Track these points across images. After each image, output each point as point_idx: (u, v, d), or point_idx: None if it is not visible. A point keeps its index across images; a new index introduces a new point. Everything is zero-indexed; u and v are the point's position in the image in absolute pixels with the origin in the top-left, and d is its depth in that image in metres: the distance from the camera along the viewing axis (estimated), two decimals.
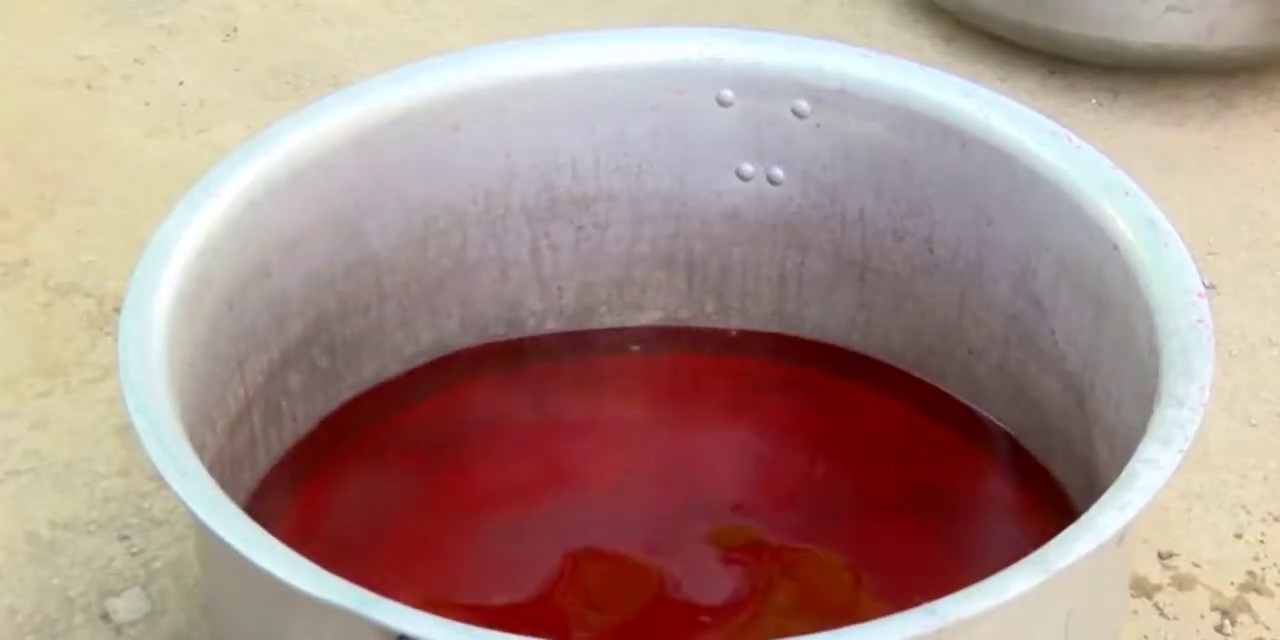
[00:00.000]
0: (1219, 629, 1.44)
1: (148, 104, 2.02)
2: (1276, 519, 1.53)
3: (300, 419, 1.32)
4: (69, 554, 1.46)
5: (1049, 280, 1.25)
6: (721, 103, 1.33)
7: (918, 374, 1.40)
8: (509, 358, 1.42)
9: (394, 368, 1.38)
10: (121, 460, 1.54)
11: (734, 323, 1.45)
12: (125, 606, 1.41)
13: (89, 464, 1.54)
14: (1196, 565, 1.49)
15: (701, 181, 1.38)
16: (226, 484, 1.06)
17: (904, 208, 1.33)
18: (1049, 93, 2.09)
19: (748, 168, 1.36)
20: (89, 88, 2.05)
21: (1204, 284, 1.12)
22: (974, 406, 1.37)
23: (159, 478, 0.98)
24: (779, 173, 1.36)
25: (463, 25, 2.19)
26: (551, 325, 1.44)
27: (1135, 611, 1.44)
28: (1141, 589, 1.46)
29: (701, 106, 1.33)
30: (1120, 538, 0.98)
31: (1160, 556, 1.49)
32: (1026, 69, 2.12)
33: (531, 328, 1.43)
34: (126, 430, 1.56)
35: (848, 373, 1.42)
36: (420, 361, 1.39)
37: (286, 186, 1.21)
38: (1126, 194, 1.18)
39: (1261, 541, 1.51)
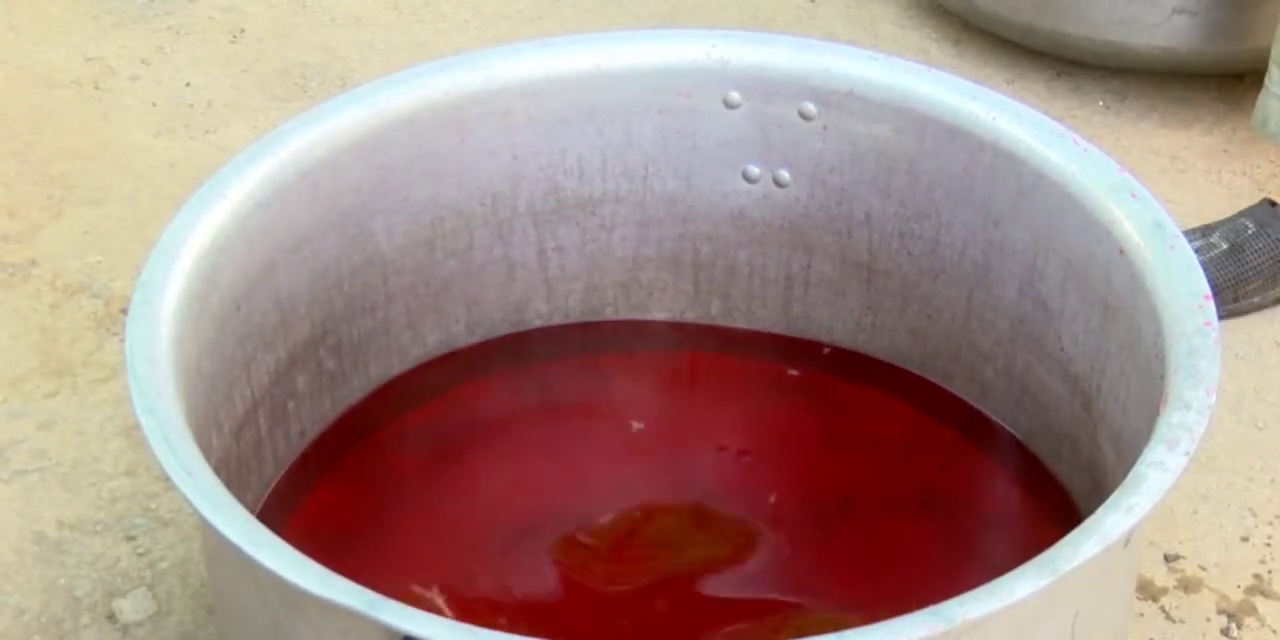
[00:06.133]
0: (1225, 632, 1.43)
1: (155, 105, 2.03)
2: None
3: (307, 420, 1.32)
4: (76, 554, 1.46)
5: (1056, 283, 1.25)
6: (728, 105, 1.33)
7: (924, 376, 1.40)
8: (515, 358, 1.42)
9: (400, 369, 1.38)
10: (128, 460, 1.55)
11: (740, 325, 1.45)
12: (131, 607, 1.41)
13: (96, 464, 1.55)
14: (1203, 568, 1.49)
15: (708, 183, 1.38)
16: (233, 485, 1.07)
17: (911, 210, 1.33)
18: (1056, 95, 2.09)
19: (754, 170, 1.37)
20: (97, 88, 2.05)
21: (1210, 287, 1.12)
22: (980, 408, 1.37)
23: (166, 478, 0.98)
24: (786, 175, 1.36)
25: (470, 27, 2.20)
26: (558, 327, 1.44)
27: (1141, 614, 1.44)
28: (1148, 591, 1.46)
29: (708, 108, 1.33)
30: (1127, 540, 0.98)
31: (1166, 559, 1.49)
32: (1034, 71, 2.12)
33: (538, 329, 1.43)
34: (134, 430, 1.56)
35: (854, 374, 1.42)
36: (426, 363, 1.39)
37: (294, 187, 1.21)
38: (1134, 196, 1.18)
39: (1268, 544, 1.51)
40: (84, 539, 1.48)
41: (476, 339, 1.41)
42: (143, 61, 2.10)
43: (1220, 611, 1.45)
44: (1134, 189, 1.19)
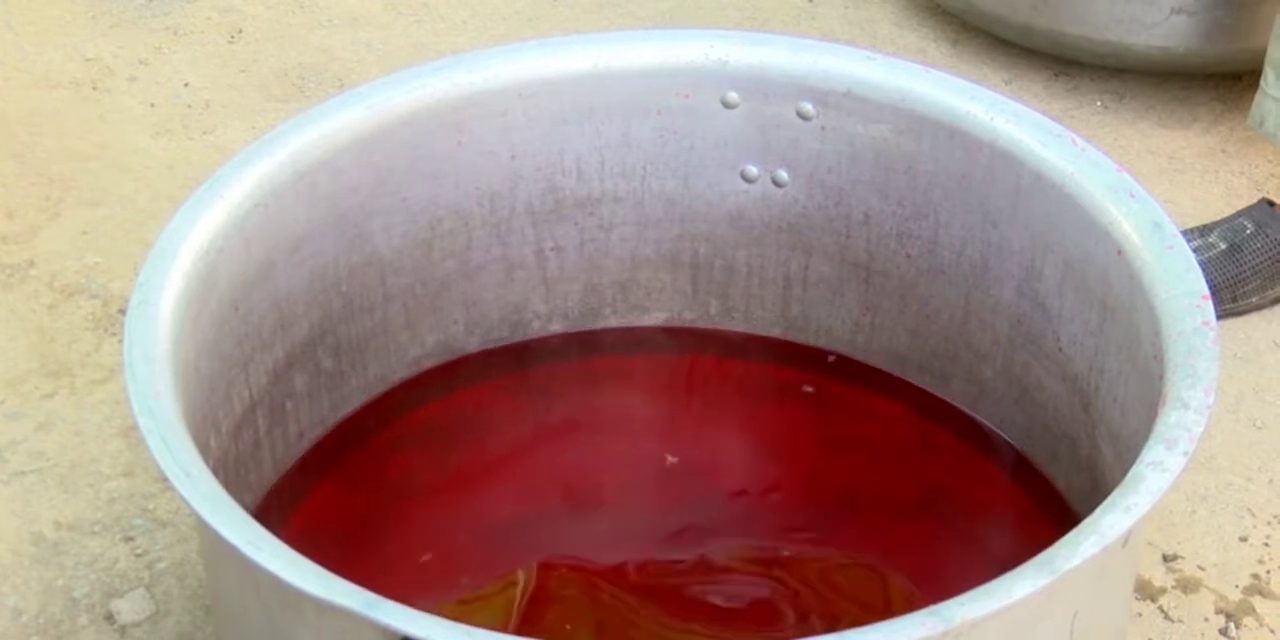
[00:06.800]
0: (1223, 632, 1.43)
1: (153, 105, 2.03)
2: None
3: (305, 421, 1.32)
4: (74, 555, 1.46)
5: (1054, 283, 1.25)
6: (726, 105, 1.33)
7: (922, 377, 1.40)
8: (514, 359, 1.42)
9: (399, 369, 1.38)
10: (126, 461, 1.55)
11: (738, 325, 1.45)
12: (129, 608, 1.41)
13: (94, 465, 1.55)
14: (1201, 568, 1.49)
15: (706, 184, 1.38)
16: (231, 485, 1.07)
17: (909, 210, 1.33)
18: (1054, 95, 2.09)
19: (753, 170, 1.37)
20: (95, 89, 2.05)
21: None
22: (974, 414, 1.37)
23: (164, 479, 0.98)
24: (784, 175, 1.36)
25: (467, 28, 2.20)
26: (556, 327, 1.44)
27: (1139, 614, 1.44)
28: (1146, 592, 1.46)
29: (706, 109, 1.33)
30: (1125, 540, 0.98)
31: (1165, 559, 1.49)
32: (1032, 71, 2.12)
33: (536, 330, 1.43)
34: (131, 431, 1.56)
35: (852, 376, 1.42)
36: (425, 363, 1.39)
37: (291, 187, 1.21)
38: (1132, 196, 1.18)
39: (1266, 545, 1.51)
40: (82, 540, 1.47)
41: (475, 340, 1.41)
42: (141, 62, 2.10)
43: (1218, 611, 1.45)
44: (1132, 189, 1.19)
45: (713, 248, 1.41)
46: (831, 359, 1.42)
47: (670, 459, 1.36)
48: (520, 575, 1.25)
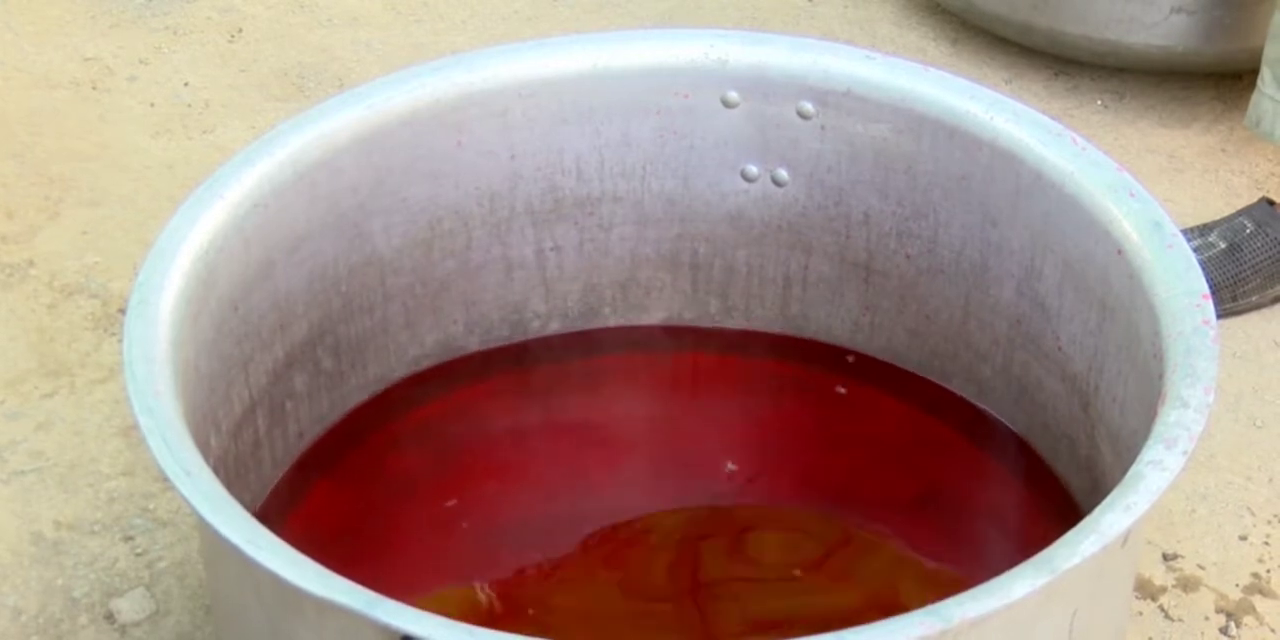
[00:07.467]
0: (1223, 631, 1.43)
1: (153, 105, 2.03)
2: None
3: (305, 420, 1.32)
4: (74, 554, 1.46)
5: (1054, 282, 1.25)
6: (726, 104, 1.33)
7: (922, 375, 1.40)
8: (514, 359, 1.42)
9: (398, 369, 1.38)
10: (126, 461, 1.55)
11: (738, 325, 1.45)
12: (129, 607, 1.41)
13: (93, 465, 1.55)
14: (1201, 567, 1.49)
15: (706, 183, 1.38)
16: (231, 485, 1.07)
17: (909, 210, 1.33)
18: (1054, 94, 2.09)
19: (753, 169, 1.37)
20: (95, 89, 2.05)
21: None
22: (980, 405, 1.37)
23: (164, 478, 0.98)
24: (784, 174, 1.36)
25: (467, 27, 2.20)
26: (556, 327, 1.44)
27: (1139, 613, 1.44)
28: (1146, 591, 1.46)
29: (706, 108, 1.33)
30: (1125, 539, 0.98)
31: (1165, 558, 1.49)
32: (1032, 71, 2.12)
33: (536, 329, 1.43)
34: (131, 431, 1.56)
35: (853, 373, 1.42)
36: (424, 363, 1.39)
37: (291, 187, 1.21)
38: (1132, 195, 1.18)
39: (1266, 544, 1.51)
40: (82, 539, 1.47)
41: (475, 339, 1.41)
42: (141, 62, 2.10)
43: (1219, 610, 1.45)
44: (1132, 188, 1.19)
45: (713, 247, 1.41)
46: (851, 359, 1.42)
47: (672, 457, 1.36)
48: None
